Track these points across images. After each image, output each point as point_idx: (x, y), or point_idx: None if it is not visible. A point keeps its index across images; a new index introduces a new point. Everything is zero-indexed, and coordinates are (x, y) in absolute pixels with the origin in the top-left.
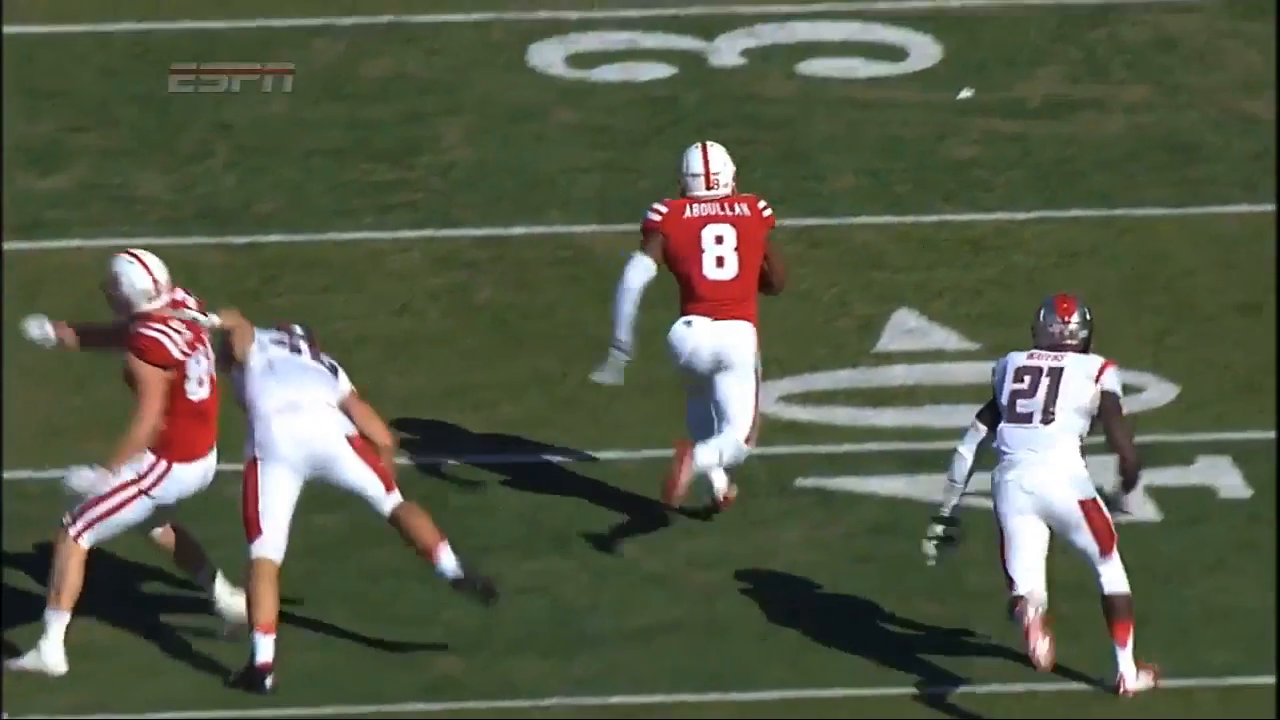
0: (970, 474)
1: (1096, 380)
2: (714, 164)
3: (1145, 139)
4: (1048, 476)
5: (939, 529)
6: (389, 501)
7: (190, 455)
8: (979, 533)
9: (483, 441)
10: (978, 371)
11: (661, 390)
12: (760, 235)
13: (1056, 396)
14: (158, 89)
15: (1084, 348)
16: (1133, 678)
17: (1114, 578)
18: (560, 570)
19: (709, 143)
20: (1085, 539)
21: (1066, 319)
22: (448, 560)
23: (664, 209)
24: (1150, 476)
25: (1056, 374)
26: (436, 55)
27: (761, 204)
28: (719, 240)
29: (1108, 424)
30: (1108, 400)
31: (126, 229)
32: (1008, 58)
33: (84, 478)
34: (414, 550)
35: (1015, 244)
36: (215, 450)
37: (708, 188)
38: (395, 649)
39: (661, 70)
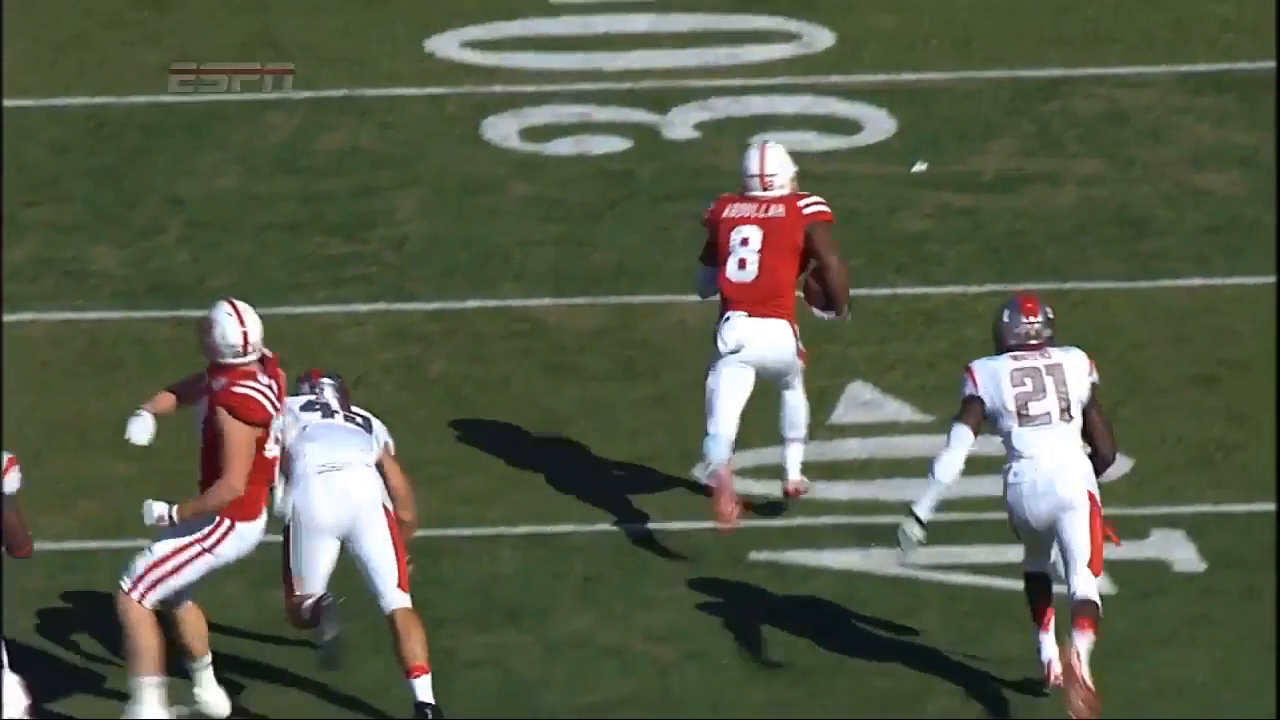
0: (954, 479)
1: (1090, 373)
2: (769, 166)
3: (1097, 212)
4: (1065, 473)
5: (917, 534)
6: (397, 599)
7: (253, 514)
8: (933, 606)
9: (436, 514)
10: (931, 445)
11: (614, 463)
12: (794, 235)
13: (1068, 392)
14: (111, 163)
15: (1050, 343)
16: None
17: (1085, 584)
18: (513, 644)
19: (768, 143)
20: (1082, 529)
21: (1033, 317)
22: (423, 689)
23: (713, 205)
24: (1105, 552)
25: (1058, 370)
26: (391, 129)
27: (804, 202)
28: (744, 242)
29: (1093, 415)
30: (1094, 392)
31: (80, 303)
32: (961, 131)
33: (154, 514)
34: (398, 656)
35: (968, 317)
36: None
37: (763, 189)
38: None
39: (616, 143)
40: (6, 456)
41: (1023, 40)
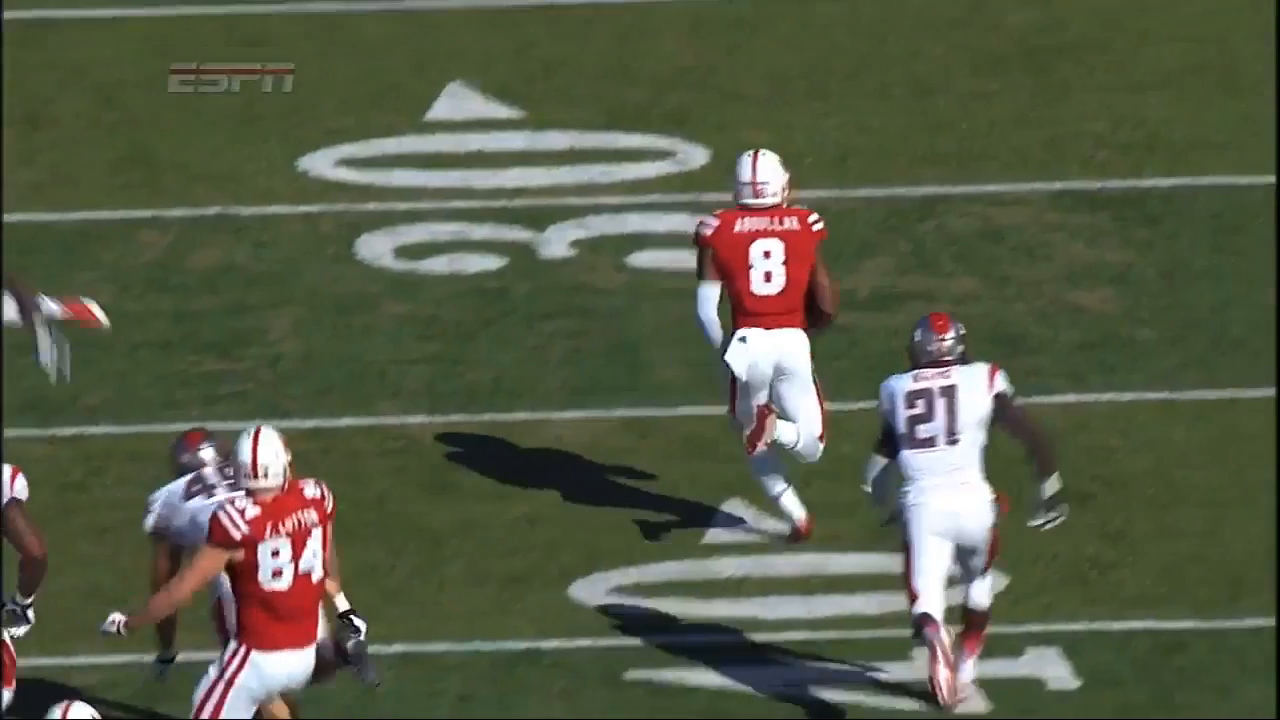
0: (887, 495)
1: (989, 389)
2: (761, 174)
3: (972, 330)
4: (965, 501)
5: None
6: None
7: (269, 643)
8: None
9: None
10: (806, 563)
11: (490, 582)
12: (809, 249)
13: (956, 415)
14: None
15: (962, 361)
16: (968, 681)
17: (983, 591)
18: None
19: (762, 150)
20: (980, 561)
21: (943, 335)
22: None
23: (715, 223)
24: (979, 668)
25: (950, 392)
26: (264, 247)
27: (812, 218)
28: (767, 255)
29: (1010, 421)
30: (1002, 401)
31: None
32: (836, 249)
33: (108, 621)
34: None
35: (843, 434)
36: (311, 648)
37: (755, 196)
38: None
39: (491, 261)
40: (9, 468)
41: (897, 159)
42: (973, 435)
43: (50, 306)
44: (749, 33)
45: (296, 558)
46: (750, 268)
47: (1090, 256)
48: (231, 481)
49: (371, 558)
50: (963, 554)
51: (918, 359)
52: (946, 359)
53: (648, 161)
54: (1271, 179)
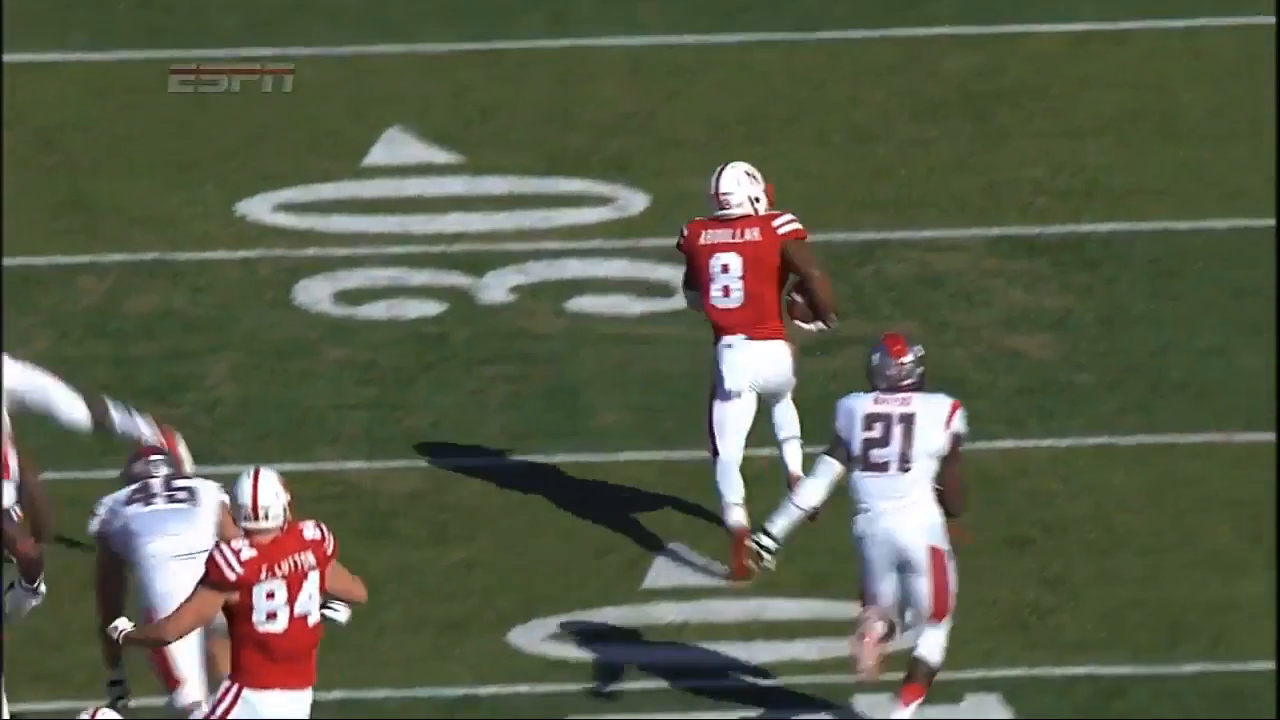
0: (817, 509)
1: (948, 425)
2: (724, 184)
3: None
4: (903, 522)
5: (769, 549)
6: None
7: (260, 682)
8: None
9: None
10: (745, 609)
11: (428, 627)
12: (772, 257)
13: (912, 444)
14: None
15: (921, 384)
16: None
17: (933, 644)
18: None
19: (729, 164)
20: (924, 587)
21: (900, 359)
22: None
23: (686, 232)
24: (920, 713)
25: (909, 420)
26: (202, 292)
27: (778, 221)
28: (725, 269)
29: (947, 470)
30: (955, 442)
31: None
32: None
33: (114, 629)
34: None
35: (781, 480)
36: (307, 691)
37: (720, 208)
38: None
39: (430, 307)
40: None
41: (836, 204)
42: (925, 464)
43: (142, 428)
44: (688, 78)
45: (292, 600)
46: (711, 281)
47: (1029, 302)
48: (170, 495)
49: None
50: (906, 577)
51: (876, 382)
52: (905, 382)
53: (587, 207)
54: (1205, 224)
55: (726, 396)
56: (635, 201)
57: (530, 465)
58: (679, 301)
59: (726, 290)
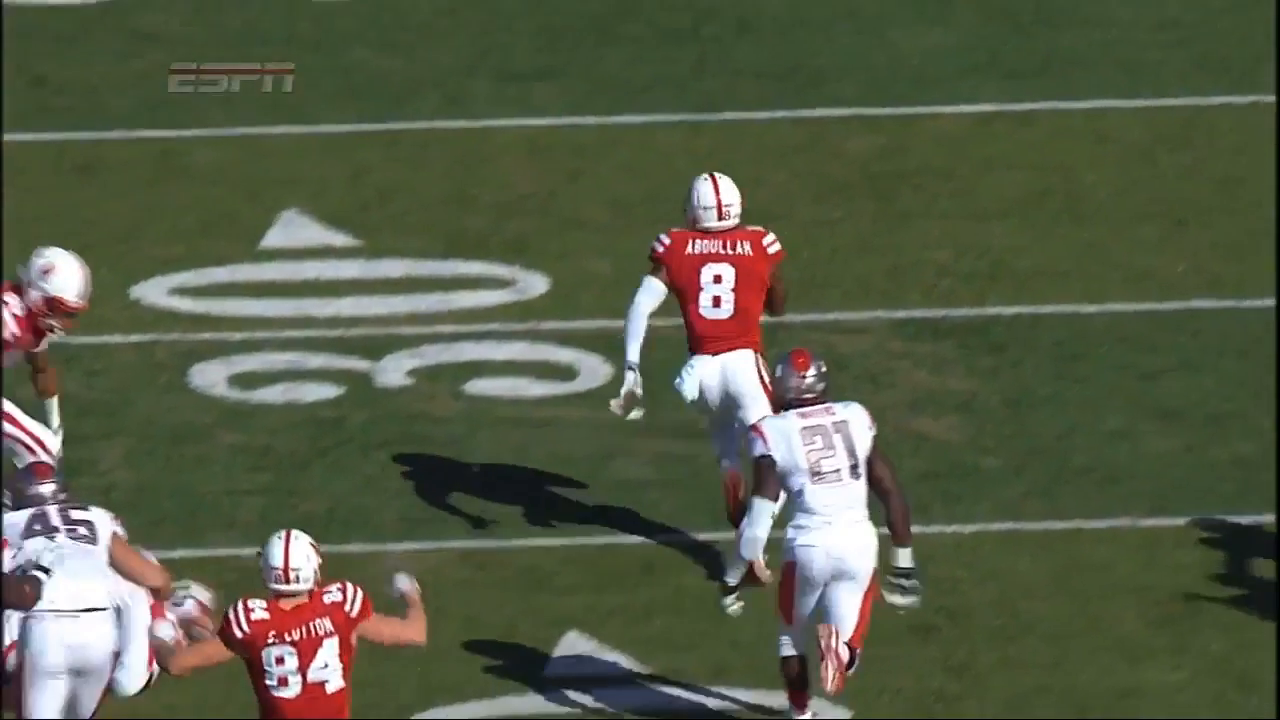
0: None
1: (870, 426)
2: (725, 195)
3: None
4: (854, 540)
5: (731, 602)
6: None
7: None
8: None
9: None
10: (647, 696)
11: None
12: (763, 272)
13: (854, 449)
14: None
15: (824, 399)
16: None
17: (853, 635)
18: None
19: (716, 174)
20: (854, 605)
21: (804, 373)
22: None
23: (667, 240)
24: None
25: (843, 427)
26: (96, 376)
27: (767, 239)
28: (717, 280)
29: (879, 466)
30: (876, 444)
31: None
32: (678, 376)
33: (165, 631)
34: None
35: (687, 565)
36: None
37: (720, 219)
38: None
39: (326, 390)
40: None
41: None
42: (863, 471)
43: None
44: (589, 159)
45: (304, 668)
46: (700, 291)
47: (934, 384)
48: (71, 529)
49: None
50: (838, 594)
51: (782, 397)
52: (808, 395)
53: (486, 289)
54: (1112, 307)
55: (703, 410)
56: (535, 284)
57: (429, 551)
58: (579, 384)
59: (718, 301)
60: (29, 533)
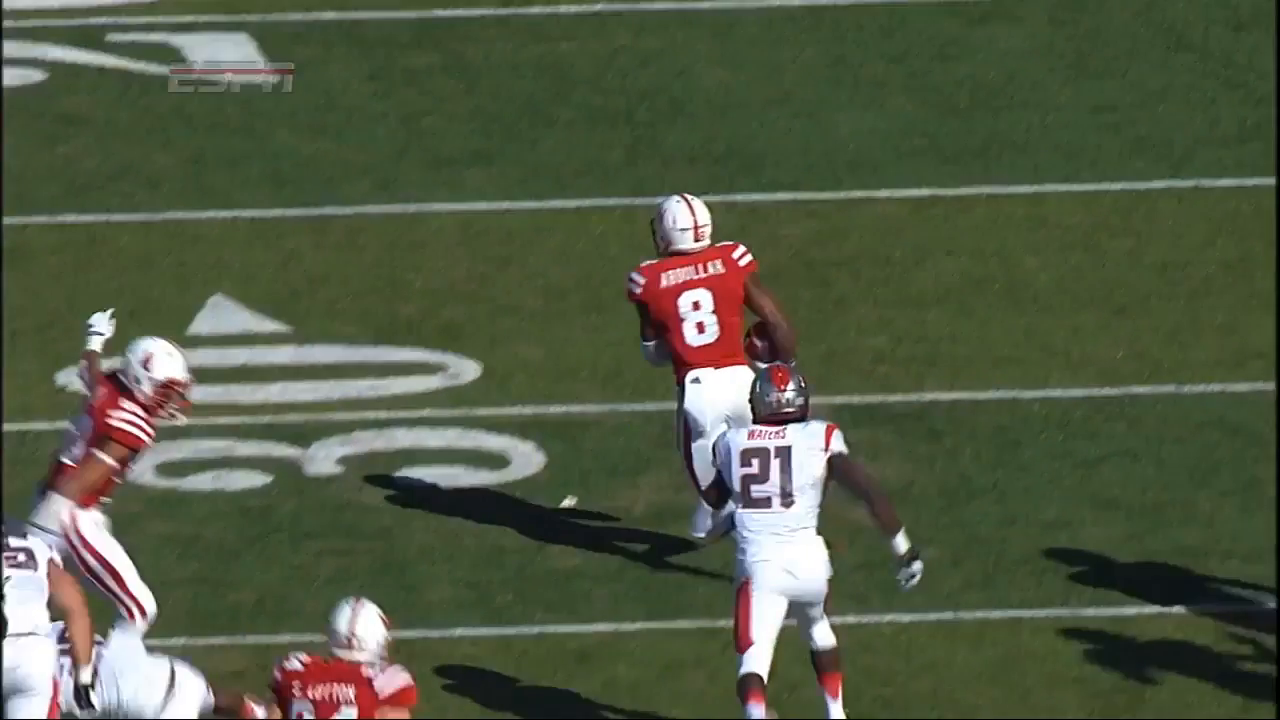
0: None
1: (825, 449)
2: (700, 216)
3: None
4: (803, 557)
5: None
6: None
7: None
8: None
9: None
10: None
11: None
12: (737, 287)
13: (791, 477)
14: None
15: (803, 415)
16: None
17: (825, 633)
18: None
19: (688, 195)
20: (819, 611)
21: (783, 387)
22: None
23: (641, 279)
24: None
25: (785, 453)
26: (21, 465)
27: (737, 253)
28: (696, 306)
29: (848, 481)
30: (838, 461)
31: None
32: (611, 465)
33: None
34: None
35: (620, 655)
36: None
37: (695, 240)
38: None
39: (256, 479)
40: None
41: (671, 373)
42: (809, 496)
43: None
44: (522, 244)
45: None
46: (682, 321)
47: (871, 473)
48: (19, 566)
49: None
50: (800, 608)
51: (757, 411)
52: (786, 411)
53: (417, 376)
54: (1052, 393)
55: (702, 433)
56: (467, 370)
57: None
58: (512, 473)
59: (701, 327)
60: None
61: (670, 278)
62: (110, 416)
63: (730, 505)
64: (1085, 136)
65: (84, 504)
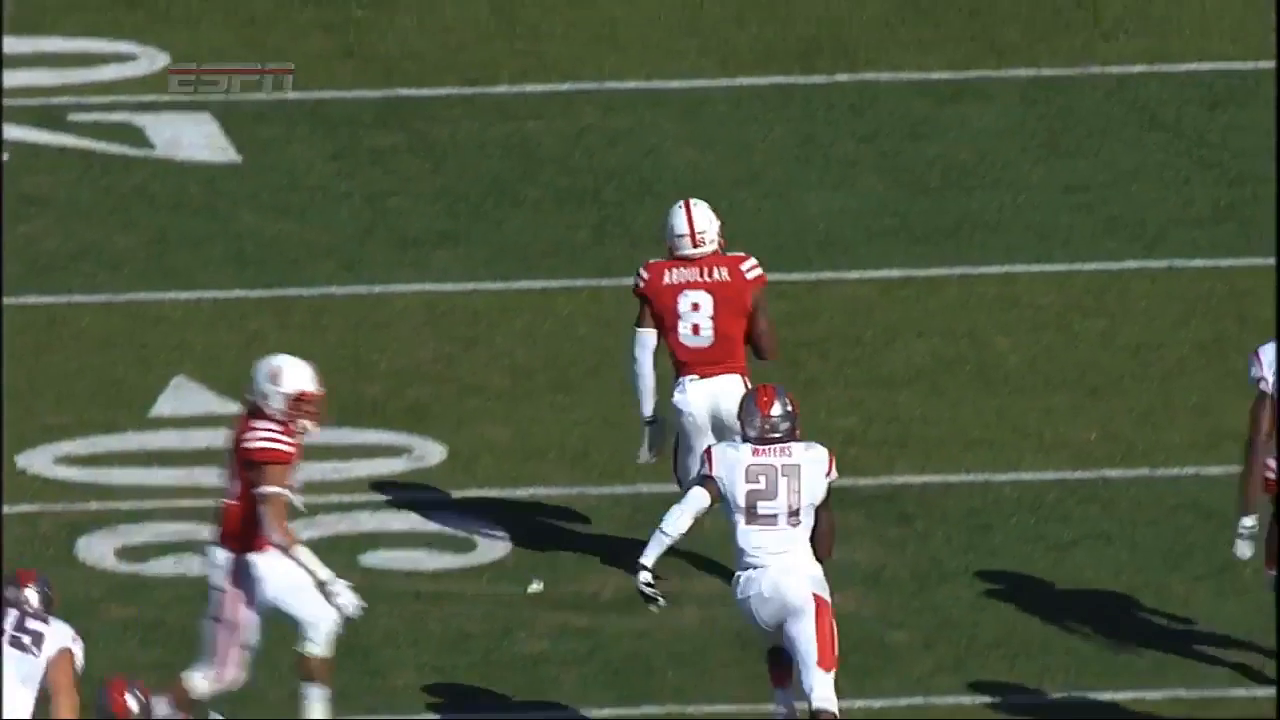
0: (680, 534)
1: (827, 475)
2: (698, 222)
3: (719, 632)
4: (788, 574)
5: (645, 578)
6: None
7: None
8: None
9: None
10: None
11: None
12: (742, 296)
13: (800, 495)
14: None
15: (791, 436)
16: None
17: (829, 694)
18: None
19: (692, 200)
20: (810, 634)
21: (767, 412)
22: None
23: (646, 274)
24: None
25: (793, 471)
26: None
27: (745, 265)
28: (695, 307)
29: (822, 517)
30: (829, 493)
31: None
32: (579, 549)
33: None
34: None
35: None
36: None
37: (694, 246)
38: None
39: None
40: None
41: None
42: (810, 518)
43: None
44: (488, 325)
45: None
46: (679, 319)
47: (841, 556)
48: (17, 637)
49: None
50: (792, 628)
51: (745, 432)
52: (773, 435)
53: (381, 458)
54: (1024, 475)
55: (688, 445)
56: (432, 452)
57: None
58: (477, 557)
59: (696, 328)
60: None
61: (673, 275)
62: (248, 441)
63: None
64: (1058, 216)
65: (286, 541)
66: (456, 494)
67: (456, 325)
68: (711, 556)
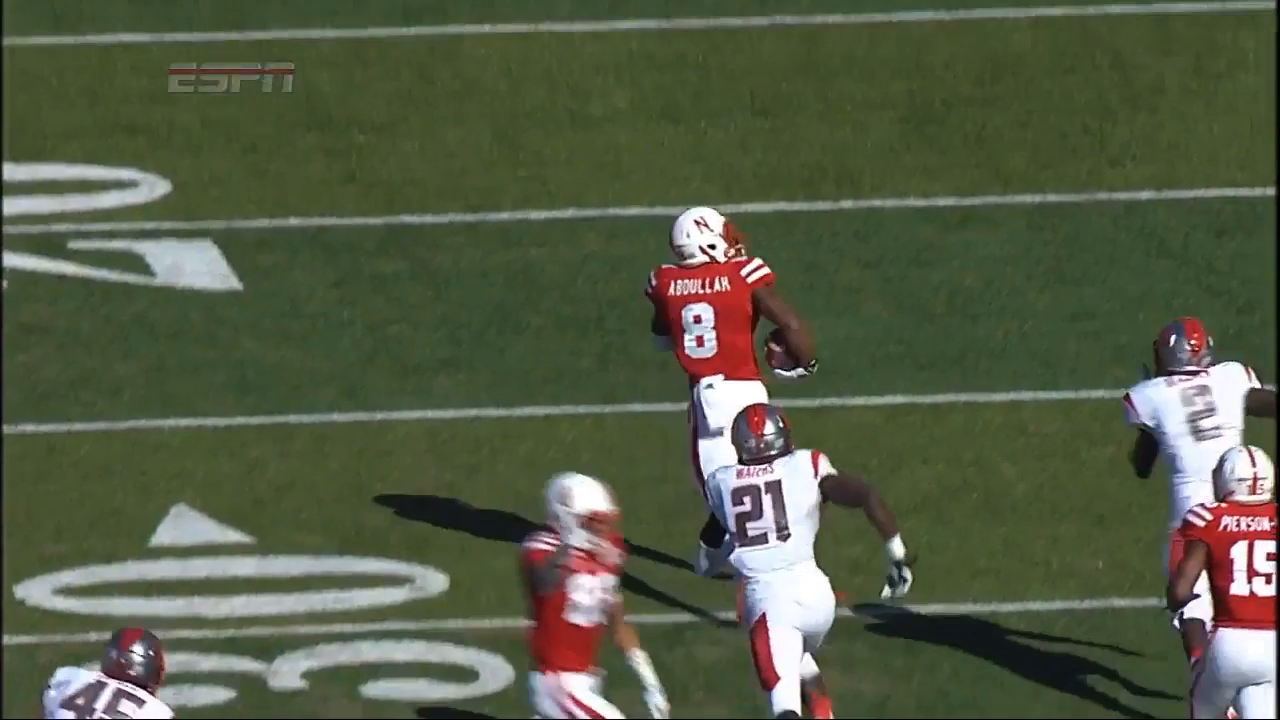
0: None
1: (815, 476)
2: (677, 236)
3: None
4: (810, 591)
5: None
6: None
7: None
8: None
9: None
10: None
11: None
12: (744, 306)
13: (785, 511)
14: None
15: (786, 450)
16: None
17: (808, 662)
18: None
19: (701, 210)
20: (814, 646)
21: (760, 432)
22: None
23: (655, 281)
24: None
25: (775, 487)
26: None
27: (746, 269)
28: (697, 320)
29: (844, 495)
30: (830, 482)
31: None
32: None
33: None
34: None
35: None
36: None
37: (680, 258)
38: None
39: (219, 694)
40: None
41: (645, 583)
42: (804, 527)
43: None
44: (490, 453)
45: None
46: (683, 333)
47: (845, 686)
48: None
49: None
50: (808, 638)
51: (741, 455)
52: (766, 454)
53: (383, 588)
54: (1031, 605)
55: (710, 434)
56: (434, 582)
57: None
58: (480, 687)
59: (700, 340)
60: (68, 705)
61: (678, 287)
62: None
63: (728, 544)
64: (1064, 344)
65: (576, 668)
66: (459, 624)
67: (458, 453)
68: None
